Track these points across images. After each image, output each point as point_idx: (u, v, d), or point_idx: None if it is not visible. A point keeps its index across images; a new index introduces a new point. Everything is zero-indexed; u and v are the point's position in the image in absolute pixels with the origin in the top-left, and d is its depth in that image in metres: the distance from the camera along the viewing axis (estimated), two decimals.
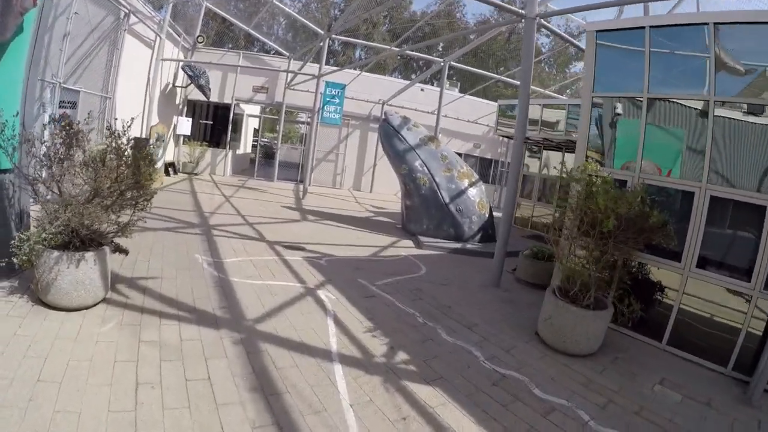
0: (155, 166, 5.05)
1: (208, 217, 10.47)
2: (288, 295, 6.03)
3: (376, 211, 16.13)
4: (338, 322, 5.39)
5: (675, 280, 6.41)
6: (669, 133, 7.02)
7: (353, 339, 4.98)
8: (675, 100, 6.85)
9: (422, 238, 11.25)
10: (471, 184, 12.22)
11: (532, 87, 22.77)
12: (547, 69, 26.47)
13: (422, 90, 20.54)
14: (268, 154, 25.38)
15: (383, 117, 12.58)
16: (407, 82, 20.17)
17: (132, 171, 4.76)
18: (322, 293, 6.34)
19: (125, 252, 5.30)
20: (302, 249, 8.69)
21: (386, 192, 21.02)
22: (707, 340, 6.15)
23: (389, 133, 12.16)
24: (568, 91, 24.76)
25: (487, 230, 12.38)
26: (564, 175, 6.29)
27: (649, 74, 6.88)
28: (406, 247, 10.57)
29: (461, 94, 21.34)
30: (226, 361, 4.05)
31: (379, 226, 12.81)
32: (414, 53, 18.22)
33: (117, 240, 5.16)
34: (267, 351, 4.36)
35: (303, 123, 20.98)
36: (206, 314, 5.02)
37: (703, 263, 6.18)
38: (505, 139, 23.38)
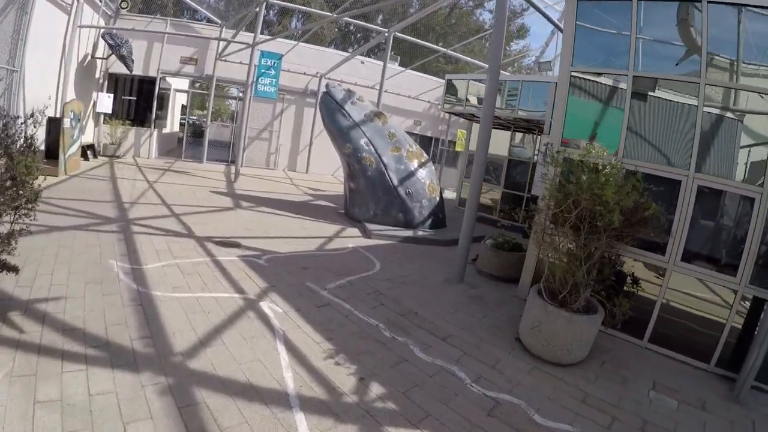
0: (36, 155, 3.78)
1: (128, 209, 8.99)
2: (225, 312, 4.98)
3: (314, 194, 15.07)
4: (291, 347, 4.44)
5: (656, 274, 6.03)
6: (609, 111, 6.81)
7: (313, 371, 4.06)
8: (663, 80, 6.44)
9: (369, 226, 10.40)
10: (421, 165, 11.48)
11: (476, 61, 22.45)
12: (488, 46, 26.06)
13: (362, 63, 19.41)
14: (197, 133, 23.16)
15: (325, 90, 11.50)
16: (347, 54, 18.96)
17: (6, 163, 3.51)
18: (266, 305, 5.33)
19: (14, 270, 4.06)
20: (237, 245, 7.57)
21: (323, 172, 19.90)
22: (689, 336, 5.89)
23: (331, 108, 11.11)
24: (509, 68, 24.55)
25: (438, 215, 11.75)
26: (575, 160, 5.53)
27: (634, 50, 6.43)
28: (353, 237, 9.70)
29: (402, 69, 20.42)
30: (152, 425, 3.01)
31: (320, 212, 11.82)
32: (356, 21, 17.02)
33: (3, 256, 3.91)
34: (205, 402, 3.35)
35: (234, 98, 19.23)
36: (123, 350, 3.89)
37: (688, 256, 5.83)
38: (447, 117, 22.93)
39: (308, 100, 18.96)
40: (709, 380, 5.30)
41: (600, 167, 5.21)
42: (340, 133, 10.94)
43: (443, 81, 22.83)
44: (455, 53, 20.49)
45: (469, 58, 21.99)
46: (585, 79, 7.01)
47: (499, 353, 5.10)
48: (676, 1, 6.15)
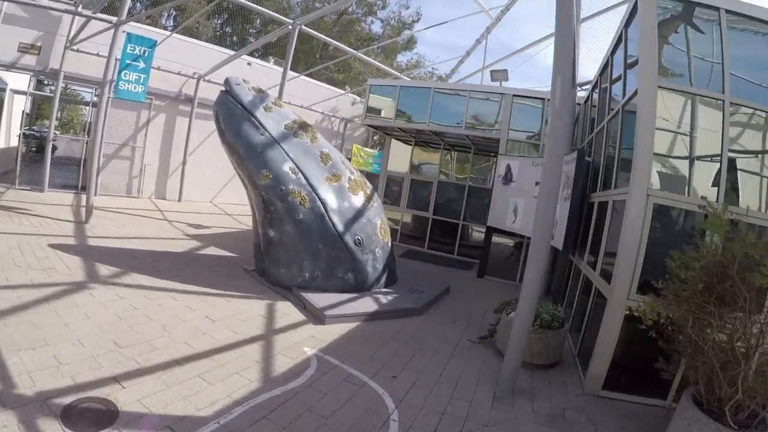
0: None
1: None
2: None
3: (198, 234, 10.66)
4: None
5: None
6: None
7: None
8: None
9: (312, 299, 6.67)
10: (368, 199, 8.05)
11: (389, 69, 19.36)
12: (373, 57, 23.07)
13: (249, 64, 15.13)
14: (42, 149, 16.26)
15: (225, 87, 7.28)
16: (231, 52, 14.57)
17: None
18: None
19: None
20: (112, 414, 3.37)
21: (199, 199, 15.14)
22: None
23: (235, 116, 7.11)
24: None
25: (391, 266, 8.43)
26: None
27: (726, 71, 4.90)
28: (296, 326, 5.94)
29: (295, 74, 16.52)
30: None
31: (221, 274, 7.65)
32: (256, 7, 12.64)
33: None
34: None
35: (88, 104, 13.24)
36: None
37: None
38: (341, 130, 19.74)
39: (182, 108, 14.10)
40: None
41: None
42: (251, 155, 7.02)
43: (339, 91, 19.65)
44: (366, 57, 17.22)
45: (385, 67, 18.89)
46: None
47: None
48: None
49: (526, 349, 5.44)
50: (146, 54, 10.02)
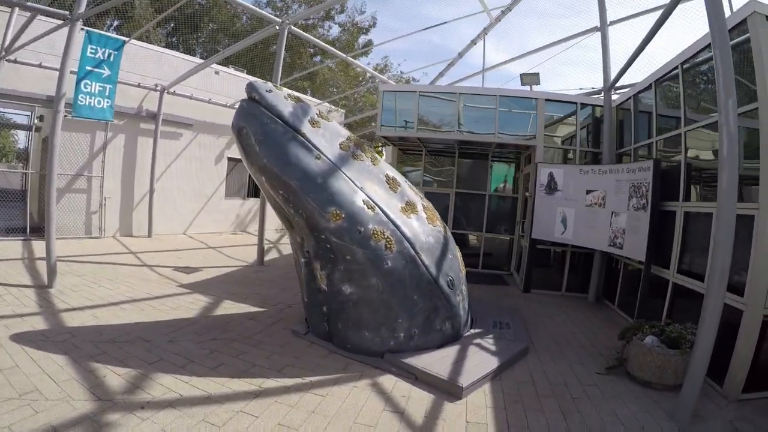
0: None
1: None
2: None
3: (195, 283, 8.16)
4: None
5: None
6: None
7: None
8: None
9: (423, 367, 4.75)
10: (445, 229, 6.15)
11: (377, 74, 17.18)
12: (332, 65, 20.60)
13: (217, 73, 12.42)
14: None
15: (251, 95, 4.91)
16: (196, 60, 11.85)
17: None
18: None
19: None
20: None
21: (171, 231, 12.23)
22: None
23: (276, 135, 4.86)
24: (366, 86, 20.50)
25: (470, 303, 6.61)
26: None
27: None
28: (435, 413, 4.06)
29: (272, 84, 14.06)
30: None
31: (274, 348, 5.43)
32: (246, 4, 10.09)
33: None
34: None
35: (27, 128, 9.64)
36: None
37: None
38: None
39: (144, 126, 11.19)
40: None
41: None
42: (310, 188, 4.85)
43: (316, 100, 17.33)
44: (356, 61, 15.11)
45: (376, 72, 16.85)
46: None
47: None
48: None
49: (660, 372, 4.87)
50: (112, 58, 7.40)
